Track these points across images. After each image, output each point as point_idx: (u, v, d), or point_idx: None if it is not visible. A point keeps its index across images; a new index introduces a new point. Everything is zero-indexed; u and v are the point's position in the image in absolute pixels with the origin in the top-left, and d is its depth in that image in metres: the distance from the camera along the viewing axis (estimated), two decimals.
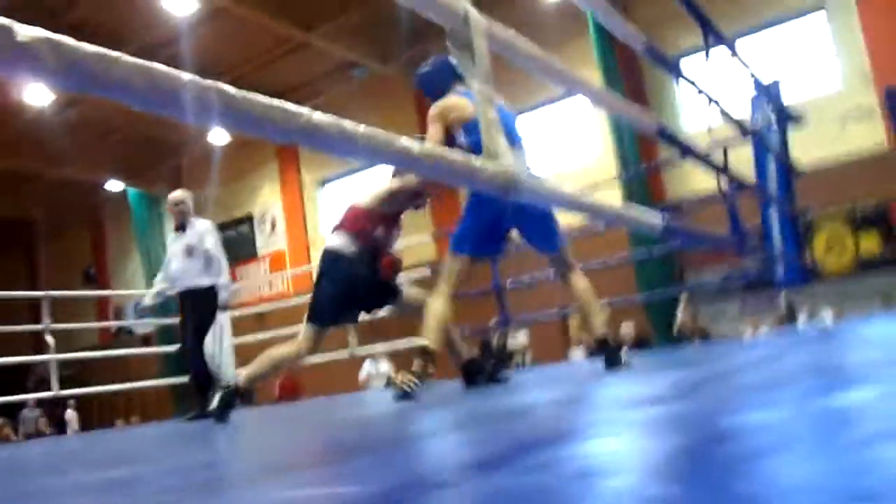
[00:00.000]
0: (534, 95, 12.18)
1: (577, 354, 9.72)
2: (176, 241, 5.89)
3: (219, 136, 15.53)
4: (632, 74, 11.89)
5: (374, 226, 3.76)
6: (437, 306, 3.49)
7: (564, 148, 13.26)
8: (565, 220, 4.32)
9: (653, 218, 2.16)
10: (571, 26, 11.59)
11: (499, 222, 3.47)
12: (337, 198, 15.28)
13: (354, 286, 3.76)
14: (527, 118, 13.35)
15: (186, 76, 0.91)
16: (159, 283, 6.00)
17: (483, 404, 2.57)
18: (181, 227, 5.85)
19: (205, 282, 5.70)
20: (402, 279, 4.30)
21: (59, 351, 7.26)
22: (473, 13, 1.57)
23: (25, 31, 0.71)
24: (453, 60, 3.42)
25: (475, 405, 2.61)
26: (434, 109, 3.60)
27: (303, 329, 3.77)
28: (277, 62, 13.68)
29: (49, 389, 7.05)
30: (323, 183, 15.72)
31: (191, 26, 11.84)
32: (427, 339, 3.40)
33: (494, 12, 1.95)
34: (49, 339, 7.05)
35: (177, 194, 6.01)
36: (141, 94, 0.85)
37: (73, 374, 13.82)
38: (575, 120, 13.12)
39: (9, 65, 0.70)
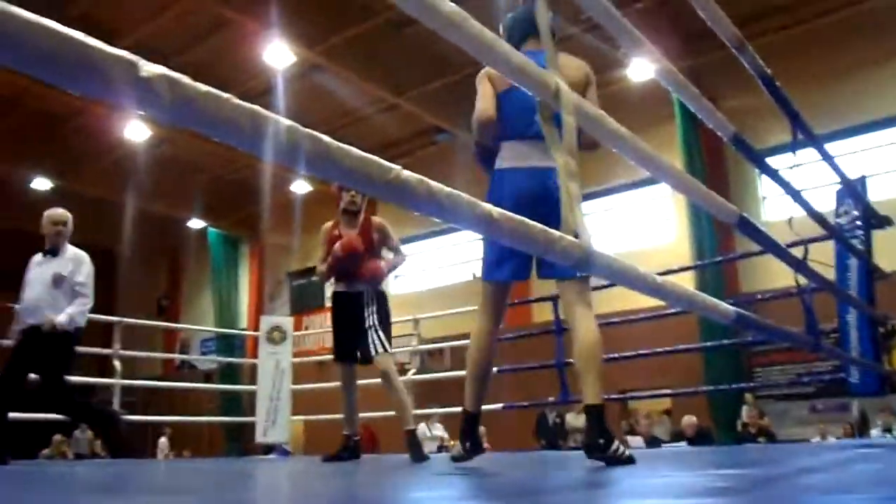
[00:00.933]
0: (612, 177, 12.20)
1: (636, 441, 9.47)
2: (42, 265, 5.10)
3: (300, 187, 15.98)
4: (715, 161, 11.84)
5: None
6: (469, 356, 3.17)
7: (640, 228, 13.20)
8: (636, 301, 4.24)
9: (726, 306, 2.12)
10: (658, 109, 11.65)
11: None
12: (412, 258, 15.49)
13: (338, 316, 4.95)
14: (605, 200, 13.38)
15: (286, 122, 0.96)
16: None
17: (528, 480, 2.52)
18: (52, 252, 5.11)
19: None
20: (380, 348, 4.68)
21: (124, 377, 7.45)
22: (564, 88, 1.60)
23: (148, 67, 0.77)
24: (538, 6, 3.12)
25: (517, 478, 2.57)
26: (483, 72, 3.18)
27: None
28: (368, 120, 14.12)
29: None
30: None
31: (287, 79, 12.38)
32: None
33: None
34: (117, 363, 7.22)
35: (59, 212, 5.23)
36: (243, 135, 0.90)
37: (135, 401, 14.14)
38: (653, 200, 13.09)
39: (131, 97, 0.76)
